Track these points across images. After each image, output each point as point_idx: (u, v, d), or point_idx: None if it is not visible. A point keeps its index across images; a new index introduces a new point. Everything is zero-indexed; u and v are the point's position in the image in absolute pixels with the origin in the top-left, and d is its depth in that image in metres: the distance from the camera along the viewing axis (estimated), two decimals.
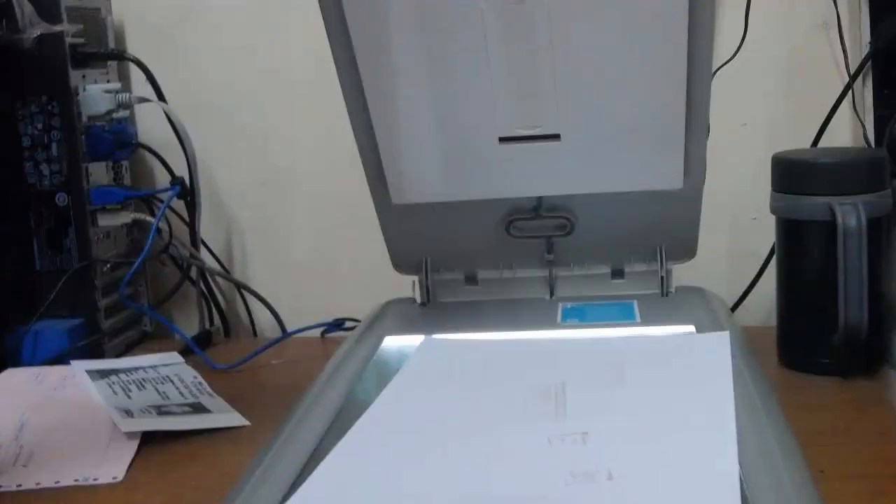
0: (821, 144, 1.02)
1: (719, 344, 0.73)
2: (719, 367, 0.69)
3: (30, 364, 0.96)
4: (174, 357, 0.97)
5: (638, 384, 0.69)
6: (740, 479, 0.53)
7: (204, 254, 1.15)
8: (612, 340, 0.78)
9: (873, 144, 0.99)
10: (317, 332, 1.07)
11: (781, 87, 1.07)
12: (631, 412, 0.64)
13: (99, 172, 1.04)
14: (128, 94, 1.05)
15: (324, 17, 0.76)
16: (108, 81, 1.07)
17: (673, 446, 0.58)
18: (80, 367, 0.91)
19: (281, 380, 0.91)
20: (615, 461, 0.56)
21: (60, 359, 0.96)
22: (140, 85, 1.13)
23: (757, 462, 0.55)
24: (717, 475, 0.53)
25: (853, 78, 1.01)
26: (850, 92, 1.02)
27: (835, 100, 1.02)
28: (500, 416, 0.65)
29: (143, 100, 1.08)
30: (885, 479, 0.66)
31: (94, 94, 1.02)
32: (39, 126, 1.01)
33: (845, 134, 1.04)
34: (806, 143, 1.02)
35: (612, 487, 0.53)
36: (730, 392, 0.64)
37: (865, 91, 1.01)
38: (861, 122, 1.02)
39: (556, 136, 0.80)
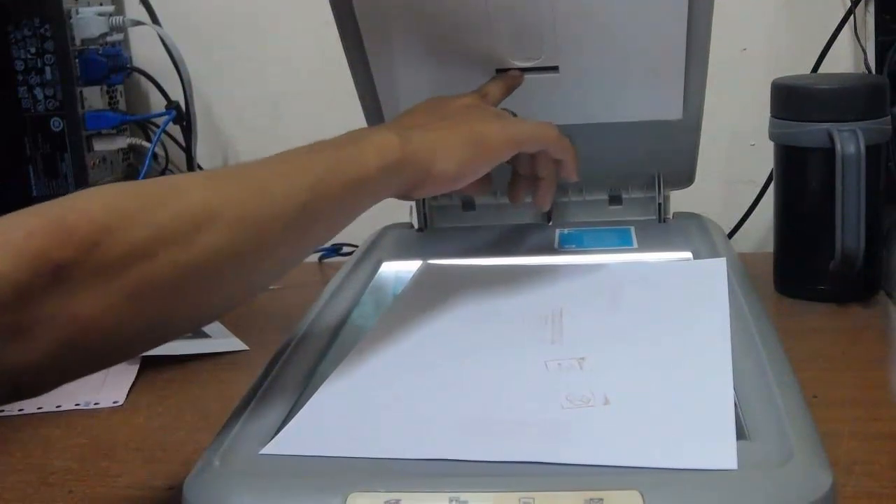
0: (821, 70, 1.02)
1: (716, 270, 0.73)
2: (716, 293, 0.69)
3: None
4: None
5: (635, 310, 0.69)
6: (735, 404, 0.54)
7: None
8: (609, 266, 0.78)
9: (874, 71, 0.98)
10: (314, 258, 1.07)
11: (782, 12, 1.06)
12: (628, 338, 0.64)
13: (94, 97, 1.03)
14: (121, 17, 1.04)
15: None
16: (100, 4, 1.05)
17: (669, 372, 0.58)
18: None
19: (279, 305, 0.91)
20: (612, 386, 0.56)
21: None
22: (133, 8, 1.11)
23: (752, 387, 0.56)
24: (713, 400, 0.54)
25: (855, 3, 1.00)
26: (851, 17, 1.01)
27: (836, 25, 1.01)
28: (497, 341, 0.65)
29: (137, 23, 1.07)
30: (878, 405, 0.67)
31: (88, 16, 1.01)
32: (32, 50, 1.00)
33: (846, 60, 1.04)
34: (806, 69, 1.02)
35: (608, 412, 0.54)
36: (726, 318, 0.64)
37: (867, 16, 1.00)
38: (862, 48, 1.01)
39: (554, 68, 0.79)
